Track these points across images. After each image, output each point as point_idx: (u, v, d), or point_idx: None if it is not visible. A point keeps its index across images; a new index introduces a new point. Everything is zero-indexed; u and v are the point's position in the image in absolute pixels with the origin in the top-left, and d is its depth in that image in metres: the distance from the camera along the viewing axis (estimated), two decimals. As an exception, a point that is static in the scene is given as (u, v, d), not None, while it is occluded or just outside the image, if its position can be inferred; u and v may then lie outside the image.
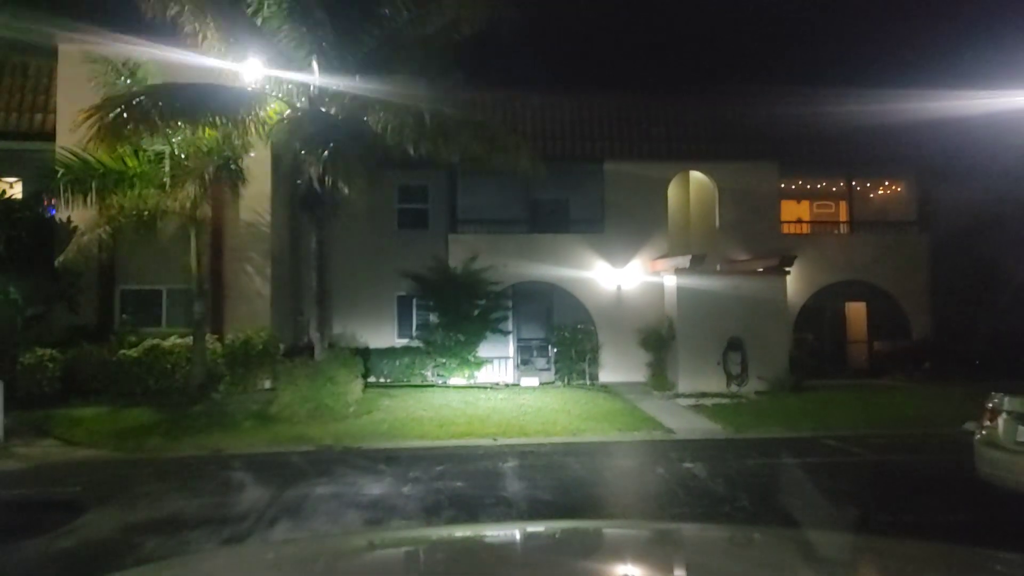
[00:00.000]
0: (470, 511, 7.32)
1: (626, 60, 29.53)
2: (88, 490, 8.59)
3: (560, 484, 8.59)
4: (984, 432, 6.52)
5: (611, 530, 2.90)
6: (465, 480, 8.75)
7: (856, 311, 20.26)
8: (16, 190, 16.90)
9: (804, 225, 20.95)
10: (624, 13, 35.91)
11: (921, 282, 19.78)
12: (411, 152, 13.25)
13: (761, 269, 17.79)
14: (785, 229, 20.13)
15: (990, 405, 6.52)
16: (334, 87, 12.99)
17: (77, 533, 6.74)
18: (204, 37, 12.43)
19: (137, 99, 11.19)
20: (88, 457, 10.96)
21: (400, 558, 2.41)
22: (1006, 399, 6.32)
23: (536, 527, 3.64)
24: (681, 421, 13.20)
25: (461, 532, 3.61)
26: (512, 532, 3.20)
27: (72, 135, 14.79)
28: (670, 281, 17.62)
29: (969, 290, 18.79)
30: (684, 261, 17.09)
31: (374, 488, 8.41)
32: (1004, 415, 6.26)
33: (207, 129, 12.71)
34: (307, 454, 10.66)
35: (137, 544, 6.33)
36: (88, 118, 10.82)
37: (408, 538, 3.11)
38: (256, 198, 16.07)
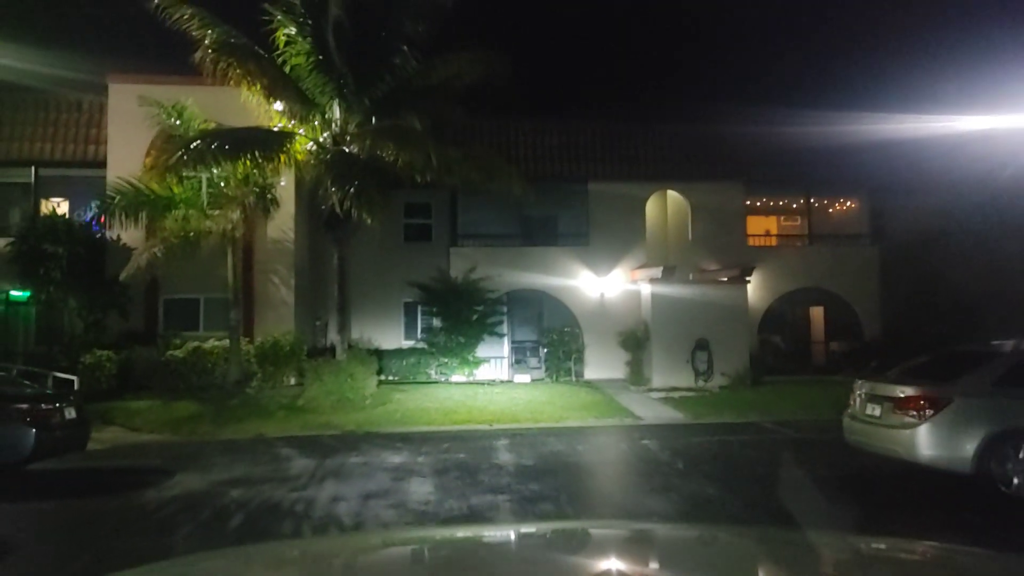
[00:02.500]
0: (470, 472, 9.59)
1: (609, 90, 32.40)
2: (166, 462, 10.80)
3: (541, 455, 10.86)
4: (850, 409, 8.82)
5: (611, 531, 2.98)
6: (466, 453, 11.03)
7: (815, 315, 22.58)
8: (63, 209, 19.22)
9: (768, 238, 23.28)
10: (607, 47, 38.71)
11: (872, 289, 22.09)
12: (418, 180, 15.53)
13: (725, 278, 20.11)
14: (751, 242, 22.46)
15: (855, 389, 8.82)
16: (353, 127, 15.31)
17: (177, 487, 9.02)
18: (246, 85, 14.67)
19: (194, 143, 13.49)
20: (152, 440, 13.21)
21: (399, 558, 2.46)
22: (862, 384, 8.62)
23: (535, 528, 4.00)
24: (650, 410, 15.50)
25: (462, 533, 3.74)
26: (510, 533, 3.34)
27: (122, 163, 17.17)
28: (646, 289, 19.92)
29: (914, 296, 21.06)
30: (657, 272, 19.42)
31: (395, 458, 10.69)
32: (861, 395, 8.56)
33: (247, 162, 14.90)
34: (335, 436, 12.91)
35: (226, 493, 8.60)
36: (156, 160, 13.07)
37: (408, 538, 3.28)
38: (282, 217, 18.30)
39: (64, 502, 8.46)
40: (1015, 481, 7.37)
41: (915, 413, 7.62)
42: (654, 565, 2.28)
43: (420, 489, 8.69)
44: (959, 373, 7.92)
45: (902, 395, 7.82)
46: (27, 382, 11.84)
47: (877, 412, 8.16)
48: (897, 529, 6.42)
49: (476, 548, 2.54)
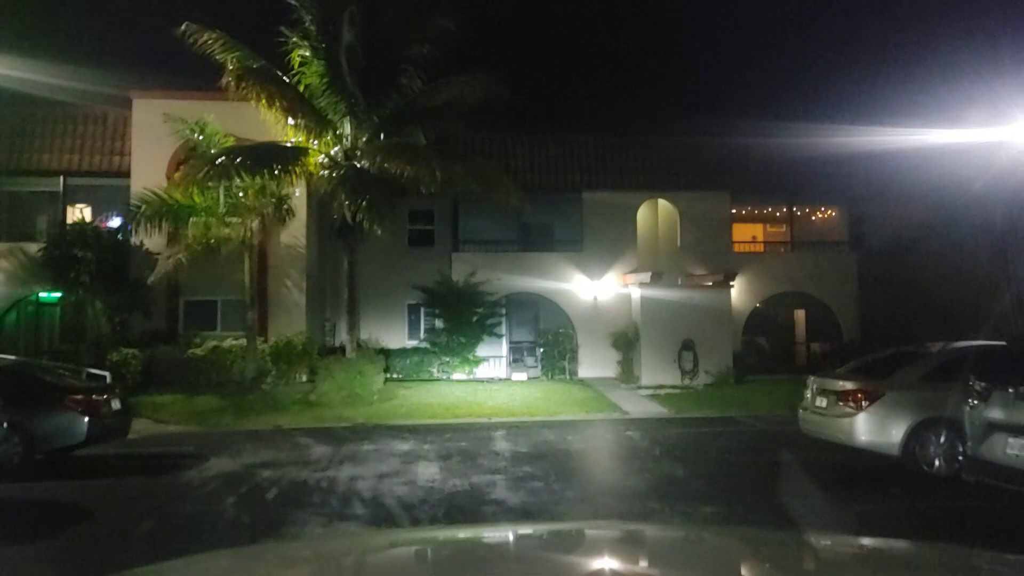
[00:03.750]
0: (471, 457, 10.84)
1: (602, 104, 33.91)
2: (199, 449, 12.00)
3: (534, 444, 12.10)
4: (804, 401, 10.08)
5: (608, 532, 3.03)
6: (467, 442, 12.27)
7: (797, 317, 23.84)
8: (87, 215, 20.45)
9: (753, 244, 24.53)
10: (600, 64, 40.31)
11: (851, 293, 23.36)
12: (422, 190, 16.76)
13: (711, 283, 21.36)
14: (737, 248, 23.71)
15: (808, 385, 10.07)
16: (362, 143, 16.55)
17: (214, 469, 10.26)
18: (265, 104, 15.88)
19: (219, 159, 14.74)
20: (180, 431, 14.42)
21: (399, 558, 2.49)
22: (813, 380, 9.88)
23: (533, 528, 4.11)
24: (637, 406, 16.73)
25: (463, 533, 3.80)
26: (510, 533, 3.37)
27: (145, 173, 18.42)
28: (636, 293, 21.17)
29: (890, 300, 22.33)
30: (647, 276, 20.67)
31: (403, 446, 11.93)
32: (812, 389, 9.82)
33: (266, 174, 16.14)
34: (347, 428, 14.12)
35: (257, 473, 9.83)
36: (185, 174, 14.31)
37: (408, 538, 3.33)
38: (295, 224, 19.50)
39: (119, 480, 9.72)
40: (936, 463, 8.63)
41: (853, 404, 8.87)
42: (651, 565, 2.31)
43: (427, 470, 9.93)
44: (893, 370, 9.18)
45: (843, 389, 9.08)
46: (68, 374, 13.08)
47: (824, 404, 9.42)
48: (831, 500, 7.66)
49: (476, 548, 2.58)
